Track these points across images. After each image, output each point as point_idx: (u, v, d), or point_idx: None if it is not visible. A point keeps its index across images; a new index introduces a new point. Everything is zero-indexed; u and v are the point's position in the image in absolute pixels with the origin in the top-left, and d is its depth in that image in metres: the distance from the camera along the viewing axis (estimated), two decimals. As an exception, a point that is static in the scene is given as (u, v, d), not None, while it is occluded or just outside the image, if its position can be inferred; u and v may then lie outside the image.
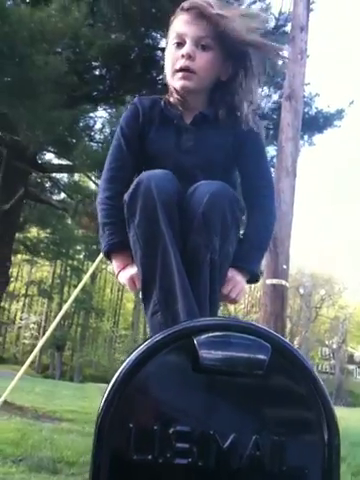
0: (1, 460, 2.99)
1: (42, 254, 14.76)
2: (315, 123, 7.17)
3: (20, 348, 30.01)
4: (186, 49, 1.24)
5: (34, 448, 3.37)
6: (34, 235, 13.74)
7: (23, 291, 30.03)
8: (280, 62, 1.46)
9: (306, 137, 7.33)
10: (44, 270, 30.06)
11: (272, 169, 6.44)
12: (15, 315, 31.11)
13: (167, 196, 1.09)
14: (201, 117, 1.29)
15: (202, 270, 1.10)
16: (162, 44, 6.11)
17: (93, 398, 10.33)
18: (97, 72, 6.65)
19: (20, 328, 30.72)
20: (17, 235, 8.84)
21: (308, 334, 31.09)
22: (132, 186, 1.13)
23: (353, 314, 33.74)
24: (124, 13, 5.59)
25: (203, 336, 0.76)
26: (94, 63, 6.39)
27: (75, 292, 5.11)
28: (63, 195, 8.79)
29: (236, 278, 1.23)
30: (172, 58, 1.27)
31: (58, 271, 29.73)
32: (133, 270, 1.20)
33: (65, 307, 5.19)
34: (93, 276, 24.65)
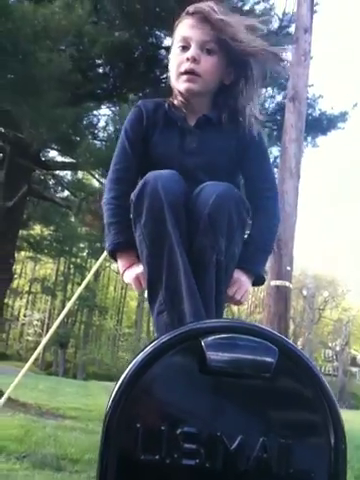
0: (5, 457, 3.01)
1: (45, 251, 14.78)
2: (319, 125, 7.15)
3: (23, 345, 30.11)
4: (191, 52, 1.25)
5: (38, 445, 3.39)
6: (38, 232, 13.76)
7: (27, 288, 30.09)
8: (283, 66, 1.46)
9: (309, 139, 7.32)
10: (47, 267, 30.12)
11: (276, 170, 6.44)
12: (19, 312, 31.20)
13: (174, 197, 1.10)
14: (205, 120, 1.31)
15: (208, 271, 1.10)
16: (166, 43, 6.11)
17: (96, 396, 10.37)
18: (101, 70, 6.65)
19: (23, 325, 30.83)
20: (21, 232, 8.86)
21: (311, 336, 31.04)
22: (138, 186, 1.13)
23: (356, 316, 33.65)
24: (128, 11, 5.59)
25: (210, 338, 0.76)
26: (98, 61, 6.39)
27: (79, 290, 5.12)
28: (67, 193, 8.81)
29: (241, 280, 1.23)
30: (177, 61, 1.29)
31: (62, 268, 29.78)
32: (138, 269, 1.21)
33: (69, 305, 5.20)
34: (97, 274, 24.69)
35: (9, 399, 4.83)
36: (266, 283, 3.85)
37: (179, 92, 1.30)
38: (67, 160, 7.39)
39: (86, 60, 5.95)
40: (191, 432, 0.75)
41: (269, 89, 6.39)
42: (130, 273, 1.24)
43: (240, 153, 1.31)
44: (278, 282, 3.88)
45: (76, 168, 7.51)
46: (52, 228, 12.75)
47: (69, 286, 28.91)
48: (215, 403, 0.77)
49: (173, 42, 1.32)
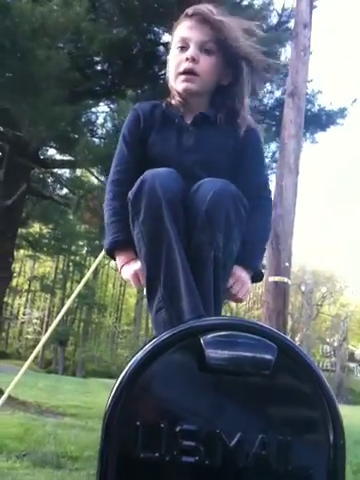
0: (5, 455, 3.02)
1: (45, 250, 14.78)
2: (318, 120, 7.14)
3: (23, 343, 30.14)
4: (190, 52, 1.27)
5: (38, 443, 3.39)
6: (36, 230, 13.76)
7: (26, 286, 30.12)
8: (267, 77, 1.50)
9: (308, 134, 7.30)
10: (47, 265, 30.12)
11: (274, 165, 6.43)
12: (18, 310, 31.22)
13: (172, 194, 1.10)
14: (202, 117, 1.32)
15: (206, 267, 1.10)
16: (164, 39, 6.10)
17: (96, 393, 10.39)
18: (99, 67, 6.63)
19: (23, 323, 30.85)
20: (20, 230, 8.85)
21: (309, 331, 31.12)
22: (136, 184, 1.13)
23: (354, 312, 33.73)
24: (126, 8, 5.57)
25: (209, 335, 0.77)
26: (96, 58, 6.37)
27: (78, 287, 5.12)
28: (65, 190, 8.79)
29: (242, 276, 1.24)
30: (176, 61, 1.31)
31: (61, 266, 29.80)
32: (137, 265, 1.21)
33: (68, 302, 5.20)
34: (95, 272, 24.69)
35: (9, 397, 4.83)
36: (264, 279, 3.85)
37: (177, 92, 1.32)
38: (66, 158, 7.38)
39: (84, 57, 5.94)
40: (190, 429, 0.75)
41: (268, 85, 6.37)
42: (128, 269, 1.25)
43: (238, 152, 1.33)
44: (276, 278, 3.87)
45: (75, 166, 7.50)
46: (51, 226, 12.74)
47: (68, 284, 28.93)
48: (214, 400, 0.77)
49: (172, 43, 1.34)
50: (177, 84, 1.30)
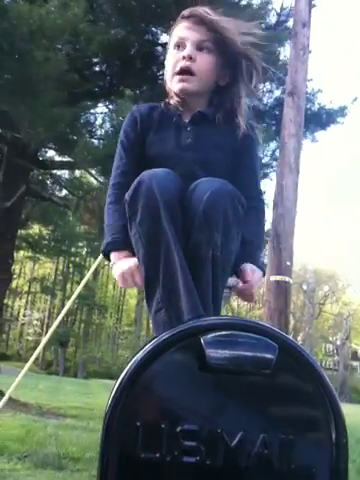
0: (6, 457, 3.01)
1: (44, 251, 14.76)
2: (318, 119, 7.13)
3: (23, 345, 30.14)
4: (187, 51, 1.28)
5: (39, 444, 3.38)
6: (36, 232, 13.74)
7: (26, 288, 30.08)
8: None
9: (308, 133, 7.29)
10: (46, 267, 30.11)
11: (274, 163, 6.42)
12: (18, 312, 31.21)
13: (169, 195, 1.09)
14: (200, 116, 1.33)
15: (204, 267, 1.10)
16: (162, 39, 6.10)
17: (97, 394, 10.39)
18: (97, 68, 6.63)
19: (23, 325, 30.84)
20: (19, 232, 8.84)
21: (311, 330, 31.11)
22: (133, 185, 1.13)
23: (357, 310, 33.71)
24: (124, 8, 5.57)
25: (210, 335, 0.76)
26: (94, 59, 6.37)
27: (78, 289, 5.11)
28: (65, 192, 8.79)
29: (257, 274, 1.26)
30: (173, 61, 1.31)
31: (60, 268, 29.78)
32: (127, 264, 1.20)
33: (68, 304, 5.20)
34: (96, 272, 24.68)
35: (10, 399, 4.83)
36: (266, 278, 3.85)
37: (174, 93, 1.33)
38: (65, 159, 7.38)
39: (82, 59, 5.94)
40: (191, 429, 0.74)
41: (267, 84, 6.37)
42: (118, 265, 1.22)
43: (237, 151, 1.34)
44: (278, 277, 3.87)
45: (74, 167, 7.50)
46: (51, 227, 12.73)
47: (68, 285, 28.93)
48: (215, 400, 0.77)
49: (169, 45, 1.35)
50: (174, 84, 1.31)
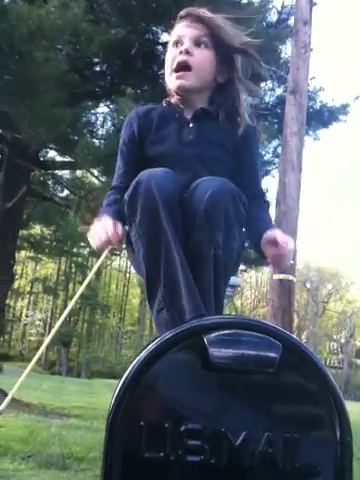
0: (10, 457, 3.01)
1: (46, 251, 14.77)
2: (320, 117, 7.11)
3: (26, 345, 30.19)
4: (184, 46, 1.30)
5: (43, 444, 3.38)
6: (38, 232, 13.75)
7: (28, 288, 30.10)
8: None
9: (310, 131, 7.27)
10: (49, 267, 30.13)
11: (276, 160, 6.40)
12: (21, 312, 31.26)
13: (168, 195, 1.09)
14: (202, 112, 1.33)
15: (206, 265, 1.09)
16: (163, 39, 6.09)
17: (100, 394, 10.40)
18: (98, 68, 6.63)
19: (26, 325, 30.88)
20: (21, 232, 8.85)
21: (316, 329, 31.09)
22: (132, 186, 1.12)
23: (361, 308, 33.65)
24: (124, 8, 5.56)
25: (213, 334, 0.76)
26: (95, 59, 6.37)
27: (80, 289, 5.09)
28: (66, 192, 8.79)
29: (287, 237, 1.23)
30: (171, 58, 1.32)
31: (63, 268, 29.80)
32: (99, 223, 1.21)
33: (71, 304, 5.17)
34: (98, 272, 24.70)
35: (13, 400, 4.83)
36: (269, 277, 3.84)
37: (173, 91, 1.34)
38: (66, 159, 7.37)
39: (83, 59, 5.93)
40: (195, 428, 0.74)
41: (269, 82, 6.35)
42: (94, 225, 1.24)
43: (238, 149, 1.34)
44: (281, 276, 3.87)
45: (75, 167, 7.50)
46: (52, 228, 12.73)
47: (71, 285, 28.94)
48: (219, 399, 0.77)
49: (169, 44, 1.37)
50: (172, 82, 1.32)
